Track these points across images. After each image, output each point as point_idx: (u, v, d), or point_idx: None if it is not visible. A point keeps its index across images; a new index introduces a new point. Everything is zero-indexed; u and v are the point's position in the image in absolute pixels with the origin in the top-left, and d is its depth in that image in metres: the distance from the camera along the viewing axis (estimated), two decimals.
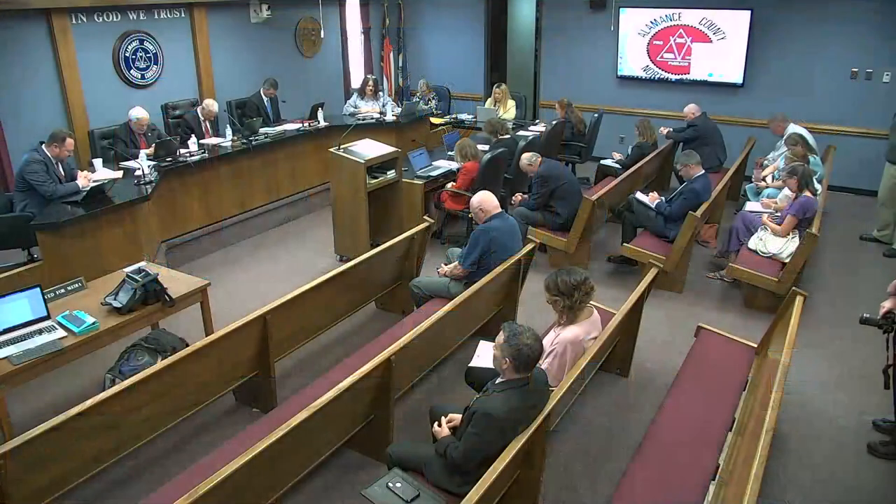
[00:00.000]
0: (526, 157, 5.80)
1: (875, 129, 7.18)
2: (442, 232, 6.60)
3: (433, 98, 9.02)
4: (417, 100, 8.87)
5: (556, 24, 9.14)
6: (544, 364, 3.41)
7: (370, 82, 8.27)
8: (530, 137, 6.62)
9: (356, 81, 9.33)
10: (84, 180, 5.21)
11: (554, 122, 7.75)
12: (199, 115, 6.92)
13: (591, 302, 4.42)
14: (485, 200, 4.39)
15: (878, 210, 6.28)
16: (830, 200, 6.75)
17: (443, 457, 2.81)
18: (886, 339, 3.41)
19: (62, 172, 5.20)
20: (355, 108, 8.19)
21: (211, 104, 6.93)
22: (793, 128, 6.66)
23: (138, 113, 6.16)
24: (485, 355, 3.72)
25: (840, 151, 7.25)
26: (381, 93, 8.45)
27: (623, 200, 6.10)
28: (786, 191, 5.54)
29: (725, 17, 7.88)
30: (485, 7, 9.67)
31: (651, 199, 5.78)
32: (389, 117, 7.73)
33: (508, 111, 8.36)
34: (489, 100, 8.68)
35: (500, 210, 4.41)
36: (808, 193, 5.15)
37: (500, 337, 2.74)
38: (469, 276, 4.39)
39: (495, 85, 8.66)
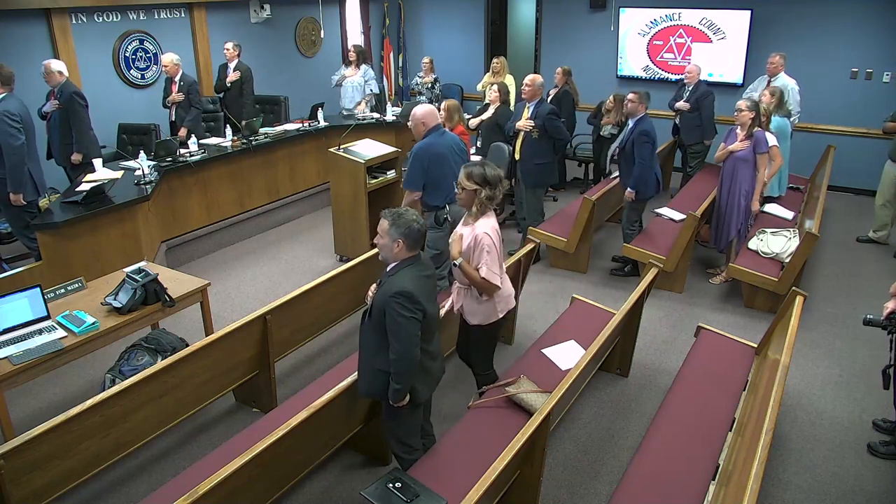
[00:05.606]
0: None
1: (875, 128, 7.17)
2: None
3: (433, 83, 8.52)
4: (418, 80, 8.51)
5: (556, 24, 9.14)
6: (483, 270, 3.19)
7: (352, 48, 8.00)
8: None
9: None
10: None
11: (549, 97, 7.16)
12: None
13: (591, 301, 4.46)
14: (428, 114, 4.37)
15: (877, 210, 6.26)
16: (830, 200, 6.76)
17: (391, 374, 2.76)
18: (890, 341, 3.40)
19: None
20: (340, 75, 8.03)
21: (165, 57, 6.60)
22: (784, 78, 6.57)
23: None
24: (559, 355, 3.76)
25: (840, 151, 7.25)
26: (365, 65, 8.05)
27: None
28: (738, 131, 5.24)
29: (725, 17, 7.88)
30: (485, 7, 9.67)
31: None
32: (389, 117, 7.70)
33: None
34: (487, 74, 8.20)
35: (439, 124, 4.39)
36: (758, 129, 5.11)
37: (384, 224, 2.78)
38: (429, 203, 4.37)
39: (494, 57, 8.13)
